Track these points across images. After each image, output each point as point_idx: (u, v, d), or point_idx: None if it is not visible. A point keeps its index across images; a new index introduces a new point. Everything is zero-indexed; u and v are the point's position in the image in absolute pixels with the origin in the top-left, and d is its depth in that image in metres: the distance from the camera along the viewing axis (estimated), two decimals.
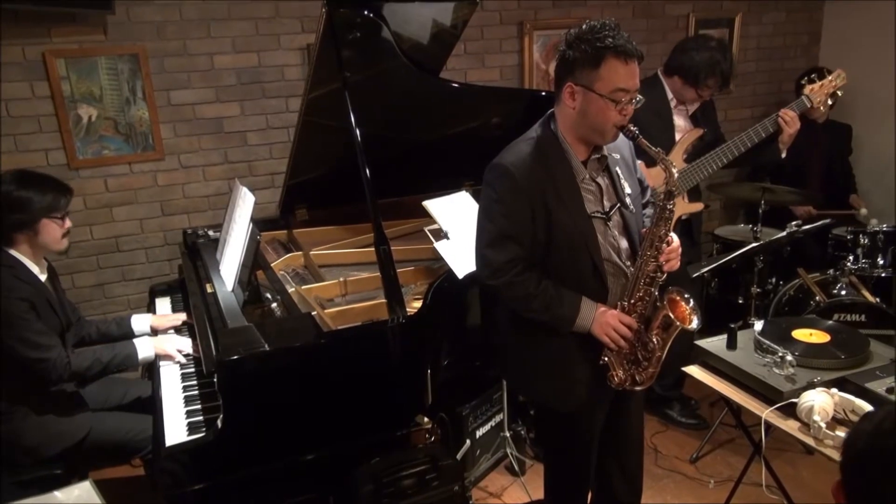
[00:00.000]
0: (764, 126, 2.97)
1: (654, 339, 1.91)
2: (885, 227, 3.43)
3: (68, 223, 2.43)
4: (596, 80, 1.78)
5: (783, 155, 3.04)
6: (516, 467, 3.03)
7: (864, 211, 3.55)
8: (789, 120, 2.92)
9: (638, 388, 1.99)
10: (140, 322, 2.69)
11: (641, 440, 2.31)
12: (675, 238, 1.93)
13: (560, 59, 1.85)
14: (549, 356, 2.01)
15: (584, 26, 1.80)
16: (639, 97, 1.83)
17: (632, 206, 1.97)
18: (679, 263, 1.96)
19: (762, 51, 4.52)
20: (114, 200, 3.32)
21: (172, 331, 2.69)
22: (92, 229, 3.31)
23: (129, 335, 2.64)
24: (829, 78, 2.94)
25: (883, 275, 3.45)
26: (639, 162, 2.10)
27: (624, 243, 1.97)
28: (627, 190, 1.97)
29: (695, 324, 1.88)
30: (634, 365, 1.96)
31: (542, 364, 2.03)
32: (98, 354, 2.40)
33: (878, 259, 3.41)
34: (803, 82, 2.98)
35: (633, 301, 1.92)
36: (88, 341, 2.61)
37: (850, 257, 3.40)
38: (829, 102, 2.98)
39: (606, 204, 1.94)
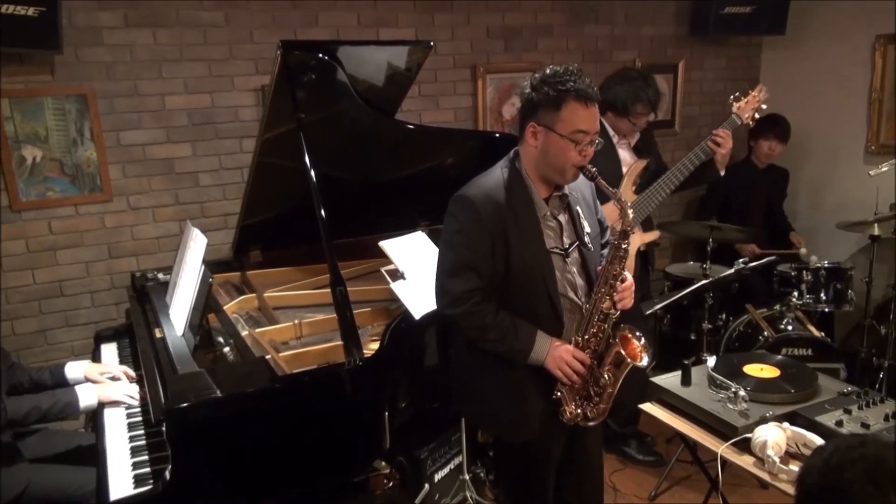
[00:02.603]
0: (702, 148, 3.08)
1: (606, 375, 1.94)
2: (826, 263, 3.56)
3: None
4: (557, 121, 1.84)
5: (721, 173, 3.13)
6: None
7: (803, 251, 3.72)
8: (721, 140, 3.03)
9: (590, 424, 2.01)
10: (74, 370, 2.53)
11: (600, 468, 2.34)
12: (628, 276, 1.98)
13: (524, 100, 1.92)
14: (503, 387, 2.02)
15: (547, 70, 1.88)
16: (599, 139, 1.90)
17: (590, 245, 2.02)
18: (632, 302, 2.00)
19: (705, 94, 4.71)
20: (58, 243, 3.21)
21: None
22: (34, 273, 3.19)
23: (63, 385, 2.50)
24: (753, 93, 3.09)
25: (826, 310, 3.57)
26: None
27: (581, 280, 2.02)
28: (587, 229, 2.03)
29: (645, 361, 1.92)
30: (586, 400, 1.99)
31: (496, 395, 2.04)
32: (37, 401, 2.28)
33: (822, 294, 3.53)
34: (731, 101, 3.12)
35: (586, 337, 1.95)
36: (21, 390, 2.47)
37: (795, 293, 3.52)
38: (757, 117, 3.11)
39: (566, 241, 1.99)
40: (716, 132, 3.06)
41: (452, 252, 1.94)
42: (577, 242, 2.01)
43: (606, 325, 1.94)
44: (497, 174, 1.97)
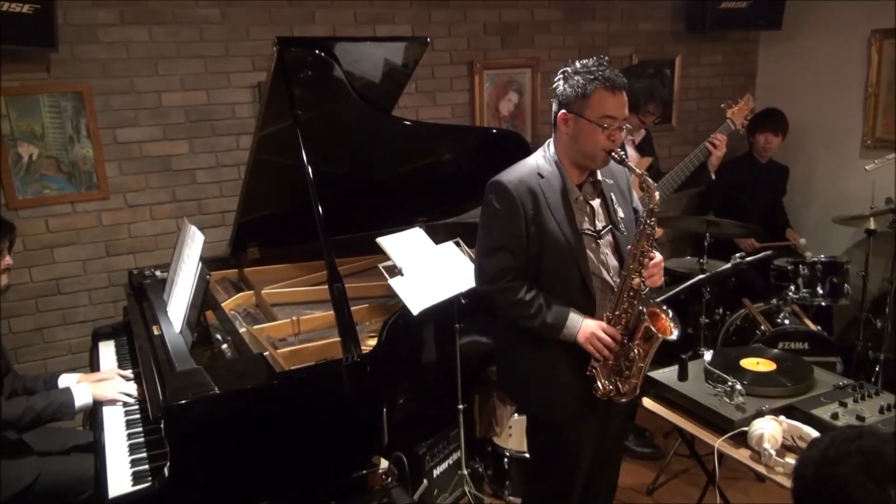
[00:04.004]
0: (702, 150, 3.18)
1: (637, 350, 2.00)
2: (822, 257, 3.57)
3: (8, 260, 2.36)
4: (586, 107, 1.95)
5: (713, 176, 3.24)
6: None
7: (802, 241, 3.73)
8: (719, 144, 3.15)
9: (623, 400, 2.07)
10: (67, 381, 2.51)
11: (620, 457, 2.48)
12: (657, 254, 2.05)
13: (557, 91, 2.03)
14: (538, 366, 2.12)
15: (577, 64, 1.99)
16: (627, 125, 2.00)
17: (623, 229, 2.10)
18: (661, 279, 2.09)
19: (702, 90, 4.71)
20: (55, 241, 3.21)
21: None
22: (31, 271, 3.18)
23: None
24: (741, 102, 3.24)
25: (823, 304, 3.58)
26: None
27: (614, 262, 2.10)
28: (621, 214, 2.11)
29: (675, 335, 1.98)
30: (618, 376, 2.05)
31: (532, 373, 2.14)
32: (31, 402, 2.28)
33: (818, 288, 3.53)
34: (723, 106, 3.25)
35: (617, 313, 2.02)
36: (14, 397, 2.48)
37: (792, 287, 3.53)
38: (746, 123, 3.28)
39: (599, 224, 2.08)
40: (714, 135, 3.16)
41: (487, 235, 2.06)
42: (610, 226, 2.09)
43: (636, 302, 2.01)
44: (531, 162, 2.08)
